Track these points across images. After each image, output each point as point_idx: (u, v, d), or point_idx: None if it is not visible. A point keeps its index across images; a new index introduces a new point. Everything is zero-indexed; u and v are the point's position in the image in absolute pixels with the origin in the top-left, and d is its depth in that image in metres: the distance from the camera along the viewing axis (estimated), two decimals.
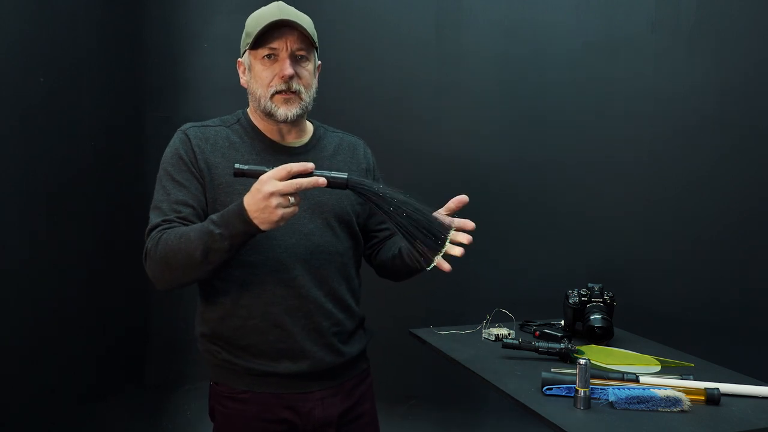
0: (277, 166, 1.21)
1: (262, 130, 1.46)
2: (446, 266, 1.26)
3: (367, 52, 2.57)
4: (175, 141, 1.41)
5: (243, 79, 1.46)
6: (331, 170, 1.24)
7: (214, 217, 1.26)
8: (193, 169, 1.37)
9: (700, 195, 2.30)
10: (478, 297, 2.44)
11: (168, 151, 1.41)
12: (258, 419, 1.42)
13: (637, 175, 2.37)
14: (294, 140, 1.48)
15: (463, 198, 1.35)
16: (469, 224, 1.30)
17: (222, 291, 1.40)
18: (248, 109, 1.50)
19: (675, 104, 2.31)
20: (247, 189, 1.25)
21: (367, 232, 1.58)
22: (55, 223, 2.13)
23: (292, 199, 1.19)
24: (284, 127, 1.46)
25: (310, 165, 1.20)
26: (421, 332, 1.78)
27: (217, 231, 1.23)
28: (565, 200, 2.45)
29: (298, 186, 1.17)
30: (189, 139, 1.40)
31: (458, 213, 1.36)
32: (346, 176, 1.23)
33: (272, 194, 1.17)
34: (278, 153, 1.44)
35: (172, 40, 2.67)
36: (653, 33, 2.32)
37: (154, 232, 1.32)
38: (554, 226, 2.46)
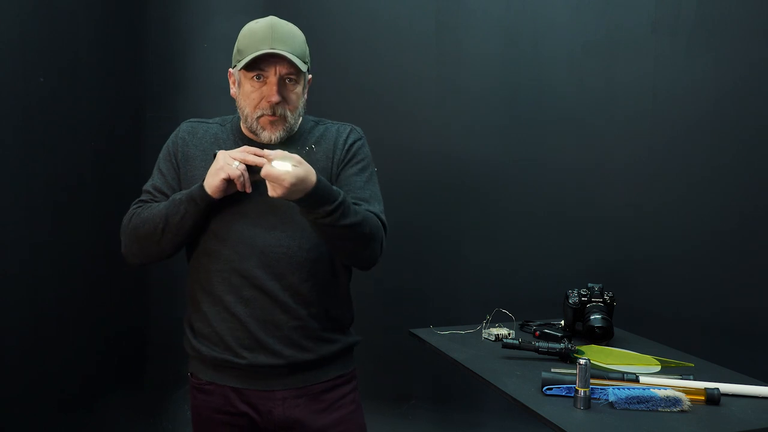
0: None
1: (244, 131, 1.49)
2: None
3: (367, 51, 2.57)
4: (175, 131, 1.53)
5: (233, 90, 1.47)
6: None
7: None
8: (173, 160, 1.48)
9: (700, 195, 2.30)
10: (478, 297, 2.44)
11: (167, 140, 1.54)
12: (221, 411, 1.47)
13: (637, 175, 2.37)
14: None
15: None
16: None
17: (194, 279, 1.48)
18: None
19: (675, 104, 2.31)
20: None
21: None
22: (55, 223, 2.13)
23: (236, 163, 1.32)
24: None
25: (266, 152, 1.31)
26: (421, 332, 1.78)
27: (177, 197, 1.39)
28: (565, 200, 2.45)
29: (243, 157, 1.32)
30: (179, 131, 1.51)
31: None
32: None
33: (223, 154, 1.35)
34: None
35: (172, 40, 2.67)
36: (653, 33, 2.32)
37: (129, 210, 1.46)
38: (554, 226, 2.46)
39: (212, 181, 1.34)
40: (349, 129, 1.52)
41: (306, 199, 1.28)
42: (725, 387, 1.35)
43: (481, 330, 1.77)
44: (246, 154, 1.33)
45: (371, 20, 2.58)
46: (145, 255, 1.45)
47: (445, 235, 2.56)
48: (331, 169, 1.47)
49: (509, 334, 1.73)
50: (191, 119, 1.54)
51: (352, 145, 1.49)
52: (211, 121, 1.54)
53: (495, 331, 1.74)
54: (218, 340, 1.44)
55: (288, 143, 1.46)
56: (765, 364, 1.96)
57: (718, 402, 1.30)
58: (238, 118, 1.50)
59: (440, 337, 1.75)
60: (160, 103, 2.64)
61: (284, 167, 1.24)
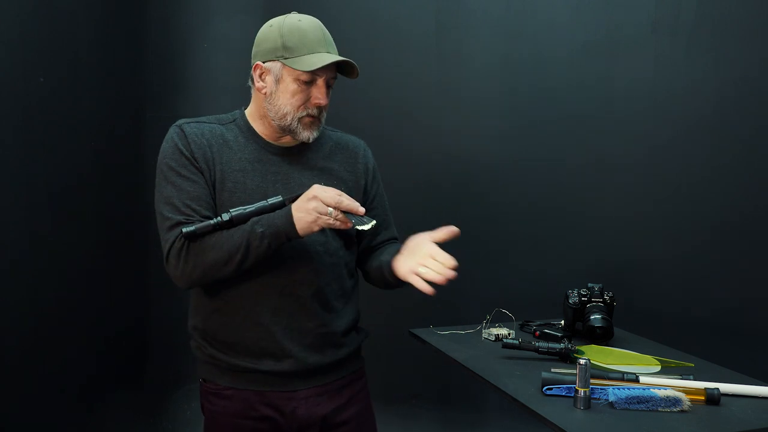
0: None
1: (259, 132, 1.46)
2: (428, 289, 1.37)
3: (367, 52, 2.57)
4: (172, 136, 1.41)
5: (260, 84, 1.42)
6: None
7: (257, 219, 1.33)
8: (196, 163, 1.38)
9: (700, 195, 2.29)
10: (478, 297, 2.43)
11: (166, 146, 1.41)
12: (242, 416, 1.44)
13: (637, 175, 2.37)
14: (289, 141, 1.48)
15: (453, 229, 1.37)
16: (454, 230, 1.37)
17: (213, 287, 1.42)
18: (246, 110, 1.50)
19: (675, 104, 2.31)
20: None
21: (358, 237, 1.58)
22: (55, 223, 2.13)
23: (330, 210, 1.29)
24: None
25: (359, 206, 1.31)
26: (421, 332, 1.78)
27: (259, 229, 1.31)
28: (565, 200, 2.45)
29: (337, 202, 1.28)
30: (185, 134, 1.40)
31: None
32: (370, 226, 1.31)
33: (315, 197, 1.29)
34: (272, 153, 1.46)
35: (172, 40, 2.67)
36: (653, 33, 2.32)
37: (171, 233, 1.34)
38: (554, 226, 2.46)
39: (307, 228, 1.31)
40: (363, 143, 1.60)
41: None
42: (725, 387, 1.35)
43: (481, 330, 1.77)
44: (342, 199, 1.30)
45: (371, 20, 2.57)
46: (208, 278, 1.37)
47: None
48: (356, 182, 1.52)
49: (509, 334, 1.73)
50: (185, 120, 1.44)
51: (374, 166, 1.59)
52: (206, 120, 1.46)
53: (495, 331, 1.74)
54: (242, 349, 1.42)
55: (303, 150, 1.49)
56: (765, 364, 1.96)
57: (718, 402, 1.30)
58: (243, 117, 1.48)
59: (440, 337, 1.75)
60: (160, 103, 2.64)
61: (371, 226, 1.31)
